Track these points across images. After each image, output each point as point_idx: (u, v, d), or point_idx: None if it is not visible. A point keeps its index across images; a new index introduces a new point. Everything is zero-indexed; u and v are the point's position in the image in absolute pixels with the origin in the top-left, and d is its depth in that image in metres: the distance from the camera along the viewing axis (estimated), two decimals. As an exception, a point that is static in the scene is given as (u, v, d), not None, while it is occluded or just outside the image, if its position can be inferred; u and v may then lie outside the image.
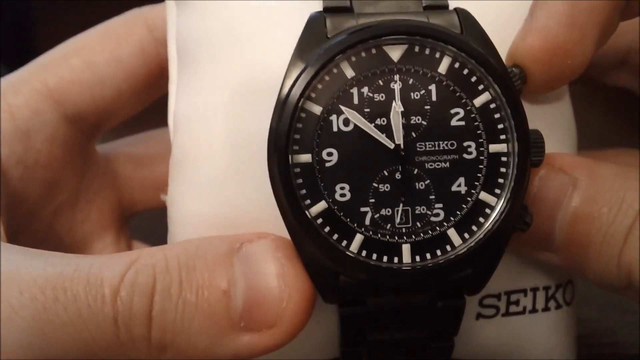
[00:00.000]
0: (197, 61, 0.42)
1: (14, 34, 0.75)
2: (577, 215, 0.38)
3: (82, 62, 0.47)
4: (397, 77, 0.36)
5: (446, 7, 0.38)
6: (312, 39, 0.36)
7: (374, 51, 0.36)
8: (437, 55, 0.36)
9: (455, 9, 0.38)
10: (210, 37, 0.41)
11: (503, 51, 0.39)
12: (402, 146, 0.36)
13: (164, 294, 0.35)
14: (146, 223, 0.54)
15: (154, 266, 0.35)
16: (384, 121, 0.36)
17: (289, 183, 0.36)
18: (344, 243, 0.36)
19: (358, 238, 0.36)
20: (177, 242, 0.39)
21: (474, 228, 0.37)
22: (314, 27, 0.37)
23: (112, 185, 0.51)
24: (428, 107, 0.36)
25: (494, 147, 0.37)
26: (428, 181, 0.37)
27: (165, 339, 0.35)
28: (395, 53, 0.36)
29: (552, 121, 0.42)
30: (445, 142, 0.37)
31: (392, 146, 0.36)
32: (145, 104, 0.50)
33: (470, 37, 0.37)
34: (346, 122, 0.36)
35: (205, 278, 0.35)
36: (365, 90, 0.36)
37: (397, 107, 0.36)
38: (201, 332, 0.35)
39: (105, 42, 0.47)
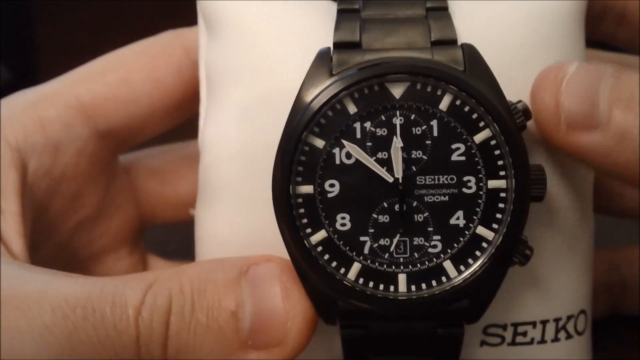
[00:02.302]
0: (224, 87, 0.43)
1: (14, 34, 0.76)
2: (623, 79, 0.38)
3: (118, 79, 0.48)
4: (398, 113, 0.37)
5: (454, 42, 0.39)
6: (318, 75, 0.38)
7: (376, 88, 0.37)
8: (439, 92, 0.37)
9: (462, 45, 0.38)
10: (237, 65, 0.43)
11: (516, 74, 0.41)
12: (400, 180, 0.37)
13: (178, 316, 0.37)
14: (158, 232, 0.56)
15: (170, 288, 0.37)
16: (385, 155, 0.38)
17: (290, 213, 0.37)
18: (342, 271, 0.38)
19: (356, 266, 0.38)
20: (192, 264, 0.40)
21: (470, 261, 0.38)
22: (320, 64, 0.38)
23: (133, 200, 0.52)
24: (429, 142, 0.38)
25: (492, 183, 0.37)
26: (427, 214, 0.38)
27: (179, 358, 0.37)
28: (397, 90, 0.37)
29: None
30: (445, 177, 0.38)
31: (391, 180, 0.37)
32: (177, 122, 0.51)
33: (473, 73, 0.38)
34: (348, 155, 0.38)
35: (215, 300, 0.37)
36: (367, 125, 0.38)
37: (397, 142, 0.37)
38: (212, 351, 0.37)
39: (143, 61, 0.48)
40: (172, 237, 0.58)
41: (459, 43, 0.39)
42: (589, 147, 0.38)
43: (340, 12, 0.41)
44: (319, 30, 0.41)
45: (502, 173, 0.37)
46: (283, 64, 0.41)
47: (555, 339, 0.44)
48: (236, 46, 0.43)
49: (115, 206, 0.51)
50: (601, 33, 0.47)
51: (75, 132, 0.47)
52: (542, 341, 0.43)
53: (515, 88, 0.40)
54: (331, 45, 0.39)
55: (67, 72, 0.49)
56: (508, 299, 0.42)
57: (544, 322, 0.43)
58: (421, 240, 0.38)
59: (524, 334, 0.43)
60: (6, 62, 0.74)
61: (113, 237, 0.51)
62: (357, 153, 0.38)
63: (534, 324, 0.43)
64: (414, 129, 0.38)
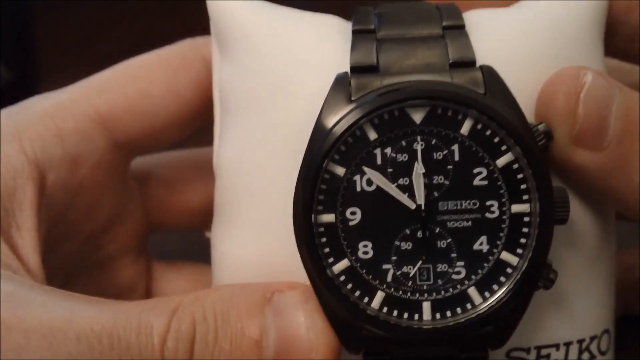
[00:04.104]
0: (237, 109, 0.43)
1: (14, 34, 0.75)
2: (631, 106, 0.39)
3: (137, 91, 0.47)
4: (419, 138, 0.37)
5: (473, 63, 0.38)
6: (337, 101, 0.37)
7: (396, 114, 0.37)
8: (460, 117, 0.37)
9: (481, 67, 0.38)
10: (251, 87, 0.42)
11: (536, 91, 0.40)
12: (422, 206, 0.37)
13: (202, 343, 0.36)
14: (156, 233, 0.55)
15: (194, 314, 0.37)
16: (406, 181, 0.37)
17: (312, 242, 0.37)
18: (366, 300, 0.37)
19: (379, 295, 0.37)
20: (214, 288, 0.40)
21: (495, 287, 0.37)
22: (338, 89, 0.38)
23: (142, 208, 0.52)
24: (450, 167, 0.37)
25: (516, 207, 0.37)
26: (450, 240, 0.37)
27: None
28: (417, 115, 0.37)
29: None
30: (468, 202, 0.37)
31: (413, 207, 0.37)
32: (193, 130, 0.50)
33: (493, 96, 0.37)
34: (369, 182, 0.37)
35: (238, 327, 0.37)
36: (388, 151, 0.37)
37: (419, 168, 0.37)
38: None
39: (163, 73, 0.47)
40: (171, 238, 0.59)
41: (478, 63, 0.38)
42: (589, 166, 0.39)
43: (355, 33, 0.40)
44: (333, 50, 0.41)
45: (525, 197, 0.37)
46: (298, 87, 0.41)
47: None
48: (250, 67, 0.42)
49: (125, 214, 0.50)
50: (611, 49, 0.46)
51: (93, 144, 0.46)
52: None
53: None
54: (348, 68, 0.38)
55: (84, 79, 0.48)
56: (531, 322, 0.41)
57: (568, 344, 0.42)
58: (445, 267, 0.37)
59: (547, 356, 0.42)
60: (6, 62, 0.73)
61: (121, 244, 0.50)
62: (378, 180, 0.37)
63: (557, 346, 0.42)
64: (435, 154, 0.37)
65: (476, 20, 0.42)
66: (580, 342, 0.43)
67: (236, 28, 0.43)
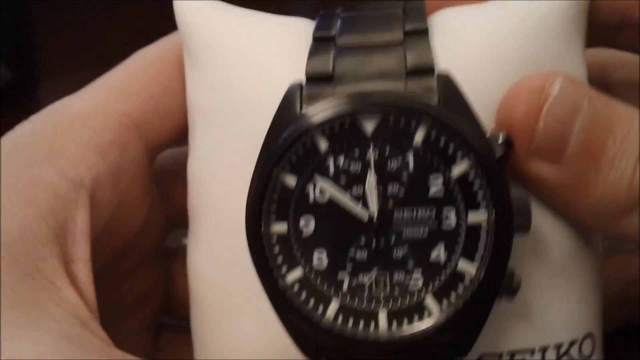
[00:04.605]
0: (202, 120, 0.43)
1: (14, 34, 0.75)
2: (596, 121, 0.37)
3: (163, 90, 0.44)
4: (372, 147, 0.36)
5: (431, 69, 0.37)
6: (288, 111, 0.37)
7: (347, 125, 0.36)
8: (412, 127, 0.36)
9: (437, 75, 0.37)
10: (213, 98, 0.42)
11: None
12: (375, 217, 0.36)
13: None
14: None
15: None
16: (360, 191, 0.36)
17: (262, 253, 0.37)
18: (320, 310, 0.37)
19: (334, 305, 0.37)
20: None
21: (453, 297, 0.36)
22: (290, 99, 0.37)
23: (164, 213, 0.49)
24: (405, 176, 0.36)
25: (472, 216, 0.36)
26: (406, 249, 0.37)
27: None
28: (369, 125, 0.36)
29: None
30: (424, 211, 0.36)
31: (365, 217, 0.36)
32: None
33: (447, 105, 0.36)
34: (322, 191, 0.37)
35: None
36: (340, 161, 0.36)
37: (371, 177, 0.36)
38: None
39: (179, 66, 0.45)
40: (170, 238, 0.56)
41: (437, 69, 0.38)
42: (544, 178, 0.38)
43: (314, 41, 0.39)
44: (296, 58, 0.40)
45: (481, 205, 0.36)
46: (259, 97, 0.40)
47: None
48: (212, 77, 0.42)
49: (152, 222, 0.48)
50: (619, 43, 0.45)
51: (132, 153, 0.43)
52: None
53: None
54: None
55: (102, 79, 0.45)
56: (501, 328, 0.40)
57: (544, 349, 0.41)
58: (401, 276, 0.37)
59: None
60: (6, 62, 0.74)
61: (145, 252, 0.48)
62: (331, 190, 0.36)
63: (532, 351, 0.41)
64: (389, 163, 0.36)
65: (445, 22, 0.41)
66: (558, 346, 0.42)
67: (200, 38, 0.43)
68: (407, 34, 0.39)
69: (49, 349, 0.34)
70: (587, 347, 0.43)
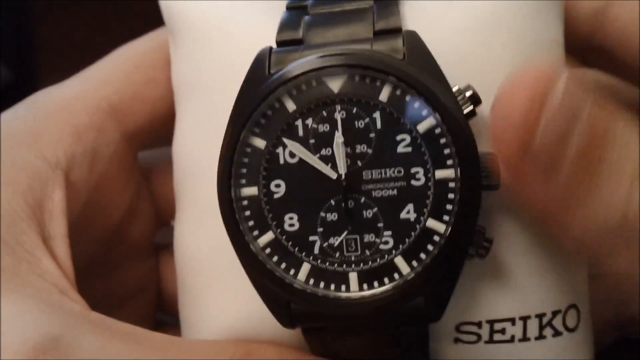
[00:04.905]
0: (188, 98, 0.43)
1: (14, 34, 0.76)
2: (594, 132, 0.34)
3: (143, 78, 0.46)
4: (339, 107, 0.36)
5: (398, 30, 0.38)
6: (256, 76, 0.37)
7: (314, 84, 0.36)
8: (378, 84, 0.36)
9: (403, 33, 0.37)
10: (197, 76, 0.42)
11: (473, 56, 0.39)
12: (343, 176, 0.36)
13: None
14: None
15: None
16: (329, 151, 0.37)
17: (233, 216, 0.37)
18: (292, 272, 0.37)
19: (305, 267, 0.37)
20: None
21: (422, 255, 0.36)
22: (258, 64, 0.38)
23: (152, 206, 0.51)
24: (372, 135, 0.36)
25: (440, 173, 0.36)
26: (376, 209, 0.37)
27: None
28: (335, 84, 0.36)
29: None
30: (392, 170, 0.36)
31: (334, 177, 0.36)
32: None
33: (412, 61, 0.36)
34: (292, 154, 0.37)
35: None
36: (309, 122, 0.37)
37: (338, 137, 0.36)
38: None
39: (165, 57, 0.46)
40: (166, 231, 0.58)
41: (404, 29, 0.38)
42: (535, 191, 0.35)
43: (287, 10, 0.40)
44: (274, 31, 0.40)
45: (448, 162, 0.36)
46: (239, 73, 0.40)
47: (540, 336, 0.41)
48: (195, 57, 0.43)
49: (137, 211, 0.49)
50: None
51: (108, 137, 0.44)
52: (525, 339, 0.41)
53: (472, 70, 0.39)
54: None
55: (86, 69, 0.46)
56: (480, 296, 0.40)
57: (524, 319, 0.41)
58: (372, 237, 0.37)
59: (502, 331, 0.41)
60: (6, 62, 0.74)
61: (133, 243, 0.49)
62: (300, 151, 0.37)
63: (512, 320, 0.41)
64: (356, 122, 0.36)
65: None
66: (540, 316, 0.41)
67: (182, 19, 0.43)
68: (377, 0, 0.39)
69: (30, 311, 0.35)
70: (571, 319, 0.42)
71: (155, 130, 0.47)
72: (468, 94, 0.37)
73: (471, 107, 0.37)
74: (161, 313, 0.53)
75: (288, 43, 0.38)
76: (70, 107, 0.44)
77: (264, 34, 0.41)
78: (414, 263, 0.36)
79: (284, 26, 0.39)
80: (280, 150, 0.37)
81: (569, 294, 0.42)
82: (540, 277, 0.41)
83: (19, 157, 0.41)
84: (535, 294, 0.41)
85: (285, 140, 0.37)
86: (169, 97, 0.46)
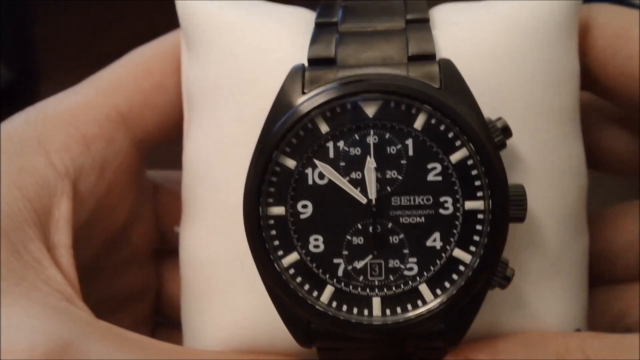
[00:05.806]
0: (202, 105, 0.43)
1: (14, 34, 0.75)
2: None
3: (153, 84, 0.45)
4: (372, 132, 0.36)
5: (432, 56, 0.38)
6: (290, 94, 0.37)
7: (349, 107, 0.36)
8: (413, 111, 0.36)
9: (439, 61, 0.37)
10: (214, 83, 0.42)
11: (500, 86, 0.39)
12: (373, 201, 0.36)
13: None
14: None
15: None
16: (359, 175, 0.37)
17: (260, 235, 0.37)
18: (315, 294, 0.37)
19: (329, 290, 0.37)
20: None
21: (447, 284, 0.36)
22: (292, 82, 0.37)
23: (154, 212, 0.50)
24: (404, 161, 0.36)
25: (470, 204, 0.36)
26: (402, 235, 0.37)
27: None
28: (370, 109, 0.36)
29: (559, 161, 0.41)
30: (421, 197, 0.37)
31: (364, 201, 0.36)
32: None
33: (449, 90, 0.36)
34: (321, 175, 0.37)
35: None
36: (340, 144, 0.37)
37: (370, 162, 0.36)
38: None
39: (174, 63, 0.46)
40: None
41: (438, 57, 0.38)
42: None
43: (317, 26, 0.40)
44: (296, 44, 0.40)
45: (479, 194, 0.36)
46: (260, 82, 0.41)
47: None
48: (214, 63, 0.42)
49: (140, 216, 0.49)
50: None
51: (117, 146, 0.44)
52: None
53: (499, 100, 0.39)
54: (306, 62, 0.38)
55: (95, 75, 0.46)
56: (493, 321, 0.40)
57: None
58: (397, 263, 0.37)
59: None
60: (6, 62, 0.74)
61: (135, 247, 0.49)
62: (330, 173, 0.37)
63: None
64: (388, 148, 0.36)
65: (444, 13, 0.41)
66: None
67: (202, 24, 0.43)
68: (408, 22, 0.39)
69: (39, 316, 0.35)
70: None
71: (164, 136, 0.47)
72: (500, 125, 0.37)
73: (502, 139, 0.37)
74: (159, 317, 0.52)
75: (320, 61, 0.38)
76: (80, 116, 0.43)
77: (287, 46, 0.41)
78: (438, 291, 0.37)
79: (316, 43, 0.39)
80: (309, 170, 0.37)
81: (573, 319, 0.42)
82: (547, 305, 0.41)
83: (28, 162, 0.41)
84: (542, 320, 0.41)
85: (315, 161, 0.37)
86: (178, 103, 0.45)
